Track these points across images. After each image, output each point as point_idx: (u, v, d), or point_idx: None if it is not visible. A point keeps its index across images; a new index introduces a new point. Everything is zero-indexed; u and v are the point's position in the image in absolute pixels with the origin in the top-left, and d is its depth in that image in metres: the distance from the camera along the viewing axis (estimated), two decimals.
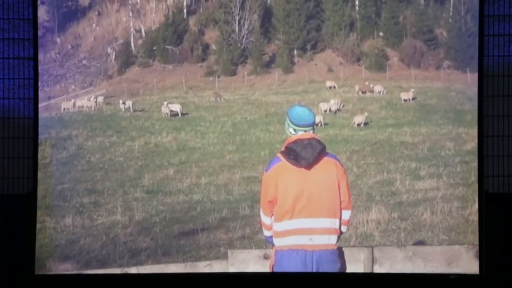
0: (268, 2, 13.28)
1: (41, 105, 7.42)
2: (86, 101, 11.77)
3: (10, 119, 7.03)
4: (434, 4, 12.72)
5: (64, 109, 11.40)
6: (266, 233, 4.91)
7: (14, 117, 7.03)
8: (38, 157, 7.01)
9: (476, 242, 7.50)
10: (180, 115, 12.02)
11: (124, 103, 11.95)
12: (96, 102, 11.86)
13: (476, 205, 8.22)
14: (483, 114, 6.90)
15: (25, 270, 6.69)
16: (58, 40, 11.79)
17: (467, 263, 5.92)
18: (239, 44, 12.83)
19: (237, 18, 12.86)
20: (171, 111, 11.98)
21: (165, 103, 11.97)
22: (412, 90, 12.27)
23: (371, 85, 12.64)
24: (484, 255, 6.33)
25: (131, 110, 11.98)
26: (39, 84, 7.14)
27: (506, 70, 6.96)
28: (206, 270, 6.32)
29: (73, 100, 11.61)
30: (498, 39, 6.95)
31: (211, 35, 13.16)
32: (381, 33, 13.02)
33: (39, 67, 7.14)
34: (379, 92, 12.59)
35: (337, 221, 4.76)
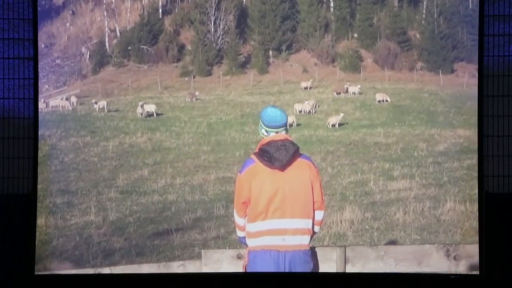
0: (244, 2, 13.29)
1: None
2: (60, 101, 11.65)
3: (10, 119, 6.98)
4: (407, 7, 12.85)
5: None
6: (240, 233, 4.93)
7: (14, 117, 6.99)
8: (38, 157, 6.98)
9: (448, 241, 7.61)
10: (155, 115, 11.97)
11: (96, 103, 11.86)
12: (69, 102, 11.76)
13: (448, 205, 8.37)
14: (483, 114, 6.83)
15: (25, 270, 6.67)
16: None
17: (437, 262, 5.97)
18: (214, 45, 12.82)
19: (212, 18, 12.85)
20: (146, 111, 11.93)
21: (140, 103, 11.91)
22: (387, 98, 12.34)
23: (346, 86, 12.72)
24: (484, 255, 6.33)
25: (106, 110, 11.91)
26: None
27: (506, 70, 6.92)
28: (180, 270, 6.32)
29: (46, 100, 11.49)
30: (498, 39, 6.92)
31: (187, 35, 13.13)
32: (355, 35, 13.10)
33: None
34: (354, 93, 12.68)
35: (310, 222, 4.80)
